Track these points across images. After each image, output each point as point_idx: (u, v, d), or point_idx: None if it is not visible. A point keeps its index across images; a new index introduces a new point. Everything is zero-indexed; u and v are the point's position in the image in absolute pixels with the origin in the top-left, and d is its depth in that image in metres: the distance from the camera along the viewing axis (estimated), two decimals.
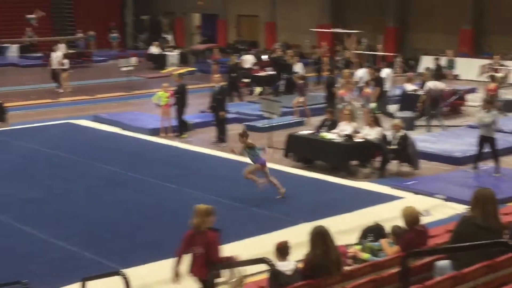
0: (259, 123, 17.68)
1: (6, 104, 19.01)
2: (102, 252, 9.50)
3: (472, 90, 22.56)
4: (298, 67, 22.24)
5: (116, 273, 6.70)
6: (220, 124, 16.66)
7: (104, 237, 10.21)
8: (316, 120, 16.62)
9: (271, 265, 6.44)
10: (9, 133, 17.51)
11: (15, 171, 13.81)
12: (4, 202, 11.70)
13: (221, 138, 16.59)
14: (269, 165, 14.17)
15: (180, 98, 17.21)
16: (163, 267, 8.91)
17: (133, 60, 26.72)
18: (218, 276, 7.01)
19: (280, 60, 24.51)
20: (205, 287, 7.09)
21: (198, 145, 16.28)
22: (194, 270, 7.15)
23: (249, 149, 11.95)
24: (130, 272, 7.15)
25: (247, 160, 14.73)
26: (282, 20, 34.19)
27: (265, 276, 7.06)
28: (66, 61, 24.80)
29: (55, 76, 24.43)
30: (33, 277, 7.26)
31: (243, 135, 12.04)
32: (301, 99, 19.28)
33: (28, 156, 15.03)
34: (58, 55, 24.69)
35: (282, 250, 6.85)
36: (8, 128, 18.09)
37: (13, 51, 33.52)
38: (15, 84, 25.57)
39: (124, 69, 25.56)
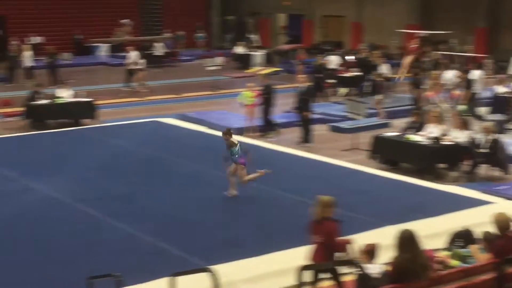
0: (344, 124, 17.58)
1: (96, 102, 19.53)
2: (187, 248, 9.62)
3: None
4: (385, 68, 21.98)
5: (205, 269, 6.78)
6: (305, 124, 16.65)
7: (190, 234, 10.34)
8: (402, 122, 16.40)
9: (360, 267, 6.40)
10: (99, 130, 18.00)
11: (105, 167, 14.16)
12: (96, 198, 12.01)
13: (306, 138, 16.59)
14: (355, 166, 14.17)
15: (268, 98, 17.31)
16: (247, 265, 9.00)
17: (219, 59, 27.02)
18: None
19: (366, 60, 24.29)
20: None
21: (283, 145, 16.32)
22: (315, 258, 7.31)
23: (231, 148, 11.88)
24: (215, 269, 7.21)
25: (327, 160, 14.70)
26: (369, 21, 33.87)
27: (351, 277, 7.00)
28: (142, 61, 25.29)
29: (129, 75, 24.95)
30: (122, 271, 7.38)
31: (226, 133, 11.99)
32: (379, 97, 19.08)
33: (117, 153, 15.39)
34: (134, 55, 25.22)
35: (371, 252, 6.79)
36: (99, 125, 18.59)
37: (103, 50, 34.43)
38: (105, 82, 26.23)
39: (210, 68, 25.89)
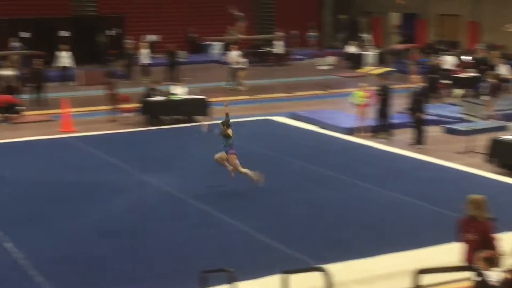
0: (460, 126, 17.10)
1: (209, 99, 19.85)
2: (297, 247, 9.62)
3: None
4: (504, 69, 21.23)
5: (318, 268, 6.74)
6: (418, 125, 16.33)
7: (300, 233, 10.35)
8: None
9: (480, 274, 6.20)
10: (212, 127, 18.24)
11: (218, 164, 14.33)
12: (208, 194, 12.22)
13: (419, 140, 16.25)
14: (471, 170, 13.76)
15: (384, 99, 17.11)
16: (359, 266, 8.92)
17: (331, 59, 26.91)
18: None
19: (484, 61, 23.54)
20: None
21: (395, 146, 16.07)
22: (469, 257, 7.26)
23: (226, 138, 12.14)
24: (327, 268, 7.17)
25: (441, 162, 14.33)
26: (487, 20, 32.78)
27: (468, 284, 6.80)
28: (244, 60, 25.50)
29: (232, 74, 25.24)
30: (233, 266, 7.43)
31: (224, 124, 12.20)
32: (486, 98, 18.45)
33: None
34: (235, 54, 25.47)
35: (490, 259, 6.56)
36: (211, 122, 18.87)
37: (216, 48, 34.97)
38: (218, 80, 26.60)
39: (322, 67, 25.81)
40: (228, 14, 35.10)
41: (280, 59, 31.67)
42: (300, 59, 33.42)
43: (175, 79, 22.99)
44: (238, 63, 25.21)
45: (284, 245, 9.71)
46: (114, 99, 19.70)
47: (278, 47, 31.92)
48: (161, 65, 27.53)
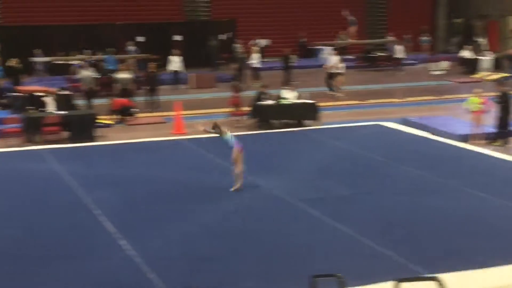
0: None
1: (319, 104, 19.79)
2: (407, 254, 9.41)
3: None
4: None
5: (432, 278, 6.55)
6: None
7: (410, 240, 10.11)
8: None
9: None
10: (321, 131, 18.23)
11: (327, 168, 14.30)
12: (318, 198, 12.15)
13: None
14: None
15: (504, 106, 16.56)
16: (472, 277, 8.63)
17: (444, 64, 26.27)
18: None
19: None
20: None
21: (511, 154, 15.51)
22: None
23: (221, 137, 12.50)
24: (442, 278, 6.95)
25: None
26: None
27: None
28: (342, 65, 25.20)
29: (329, 79, 24.98)
30: (342, 272, 7.35)
31: (214, 128, 12.65)
32: None
33: (338, 155, 15.50)
34: (334, 59, 25.20)
35: None
36: (320, 127, 18.83)
37: (326, 53, 34.84)
38: (324, 85, 26.49)
39: (435, 73, 25.23)
40: (339, 18, 34.92)
41: (398, 64, 31.25)
42: (413, 64, 32.83)
43: (286, 83, 23.06)
44: (337, 68, 25.00)
45: (394, 252, 9.52)
46: (235, 102, 19.97)
47: (398, 52, 31.45)
48: (272, 69, 27.69)
